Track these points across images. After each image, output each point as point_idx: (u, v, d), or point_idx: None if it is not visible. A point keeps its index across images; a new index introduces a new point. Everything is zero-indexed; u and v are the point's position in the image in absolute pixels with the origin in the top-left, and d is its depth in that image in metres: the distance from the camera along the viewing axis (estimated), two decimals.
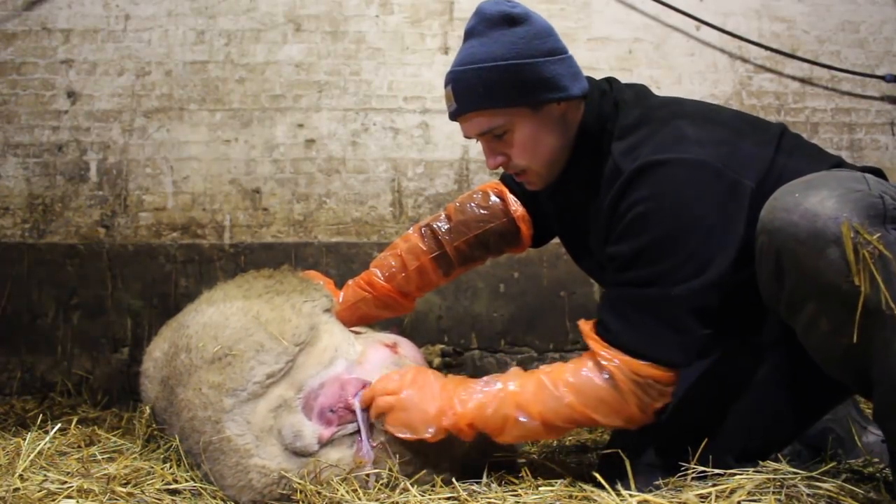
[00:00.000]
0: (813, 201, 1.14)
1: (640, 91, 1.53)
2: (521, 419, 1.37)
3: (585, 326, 1.40)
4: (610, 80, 1.54)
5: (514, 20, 1.40)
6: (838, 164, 1.40)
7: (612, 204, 1.38)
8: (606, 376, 1.32)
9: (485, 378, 1.45)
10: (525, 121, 1.43)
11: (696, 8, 3.27)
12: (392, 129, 3.16)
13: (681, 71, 3.27)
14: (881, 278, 1.08)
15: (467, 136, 1.50)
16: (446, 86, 1.47)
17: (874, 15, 3.36)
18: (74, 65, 3.10)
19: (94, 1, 3.12)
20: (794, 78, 3.33)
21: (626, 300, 1.34)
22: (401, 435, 1.42)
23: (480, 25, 1.43)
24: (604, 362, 1.33)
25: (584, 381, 1.35)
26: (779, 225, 1.17)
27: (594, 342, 1.35)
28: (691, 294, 1.29)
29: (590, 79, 1.51)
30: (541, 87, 1.41)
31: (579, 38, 3.24)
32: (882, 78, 3.31)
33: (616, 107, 1.46)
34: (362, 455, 1.44)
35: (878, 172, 1.38)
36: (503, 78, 1.39)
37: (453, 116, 1.48)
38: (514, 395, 1.38)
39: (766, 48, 3.28)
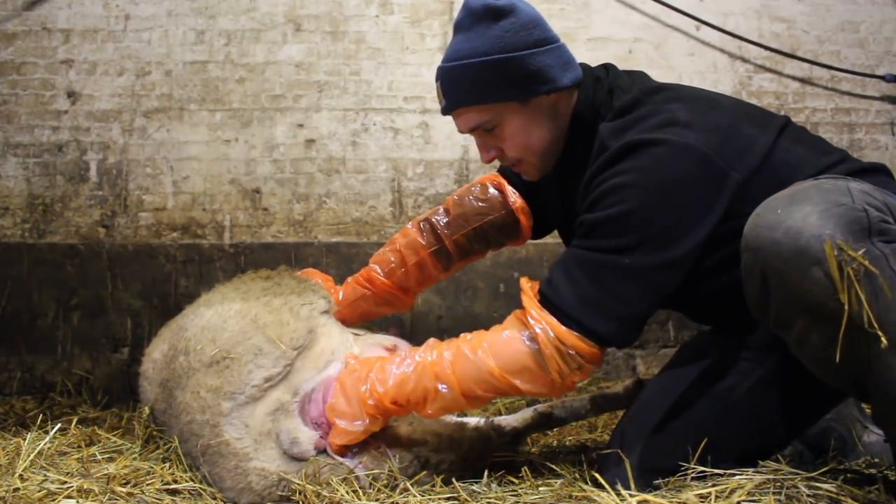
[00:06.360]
0: (796, 218, 1.11)
1: (639, 77, 1.50)
2: (442, 390, 1.34)
3: (526, 284, 1.37)
4: (607, 67, 1.52)
5: (498, 13, 1.38)
6: (843, 158, 1.38)
7: (591, 177, 1.36)
8: (530, 340, 1.30)
9: (401, 353, 1.43)
10: (514, 114, 1.41)
11: (696, 8, 3.27)
12: (392, 129, 3.16)
13: (681, 71, 3.27)
14: (867, 294, 1.05)
15: (460, 131, 1.50)
16: (436, 81, 1.47)
17: (874, 15, 3.36)
18: (74, 65, 3.10)
19: (94, 1, 3.12)
20: (794, 78, 3.33)
21: (579, 260, 1.32)
22: (345, 442, 1.40)
23: (466, 20, 1.42)
24: (531, 322, 1.30)
25: (505, 344, 1.33)
26: (762, 243, 1.15)
27: (528, 299, 1.33)
28: (646, 269, 1.27)
29: (585, 66, 1.49)
30: (528, 80, 1.39)
31: (579, 38, 3.24)
32: (882, 78, 3.31)
33: (610, 93, 1.44)
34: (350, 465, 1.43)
35: (883, 171, 1.37)
36: (489, 73, 1.37)
37: (444, 112, 1.48)
38: (432, 365, 1.36)
39: (766, 48, 3.28)
